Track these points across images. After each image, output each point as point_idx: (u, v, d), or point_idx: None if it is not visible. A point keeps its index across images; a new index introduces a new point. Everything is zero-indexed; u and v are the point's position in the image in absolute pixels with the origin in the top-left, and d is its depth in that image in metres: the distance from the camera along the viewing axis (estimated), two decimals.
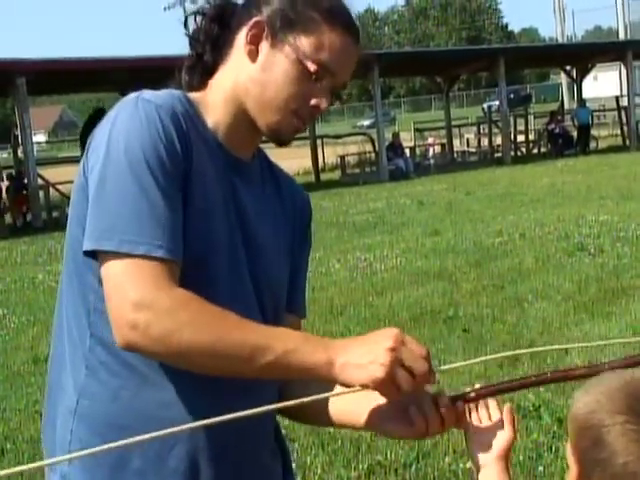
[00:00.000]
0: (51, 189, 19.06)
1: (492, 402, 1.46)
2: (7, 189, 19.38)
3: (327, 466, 4.22)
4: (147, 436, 1.13)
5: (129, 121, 1.41)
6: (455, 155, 27.32)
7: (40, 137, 58.99)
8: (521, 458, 4.07)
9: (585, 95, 29.49)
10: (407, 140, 27.73)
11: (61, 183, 17.81)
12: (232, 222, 1.50)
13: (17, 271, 11.47)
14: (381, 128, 22.68)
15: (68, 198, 12.49)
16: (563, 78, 40.57)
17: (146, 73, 11.78)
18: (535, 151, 26.95)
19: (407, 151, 24.18)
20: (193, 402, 1.45)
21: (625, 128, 26.89)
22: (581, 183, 16.44)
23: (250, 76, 1.49)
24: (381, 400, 1.42)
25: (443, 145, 27.81)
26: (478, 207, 14.16)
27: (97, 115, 13.55)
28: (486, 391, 1.43)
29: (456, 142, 28.56)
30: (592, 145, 26.20)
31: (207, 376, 1.39)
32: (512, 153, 25.14)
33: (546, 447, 4.20)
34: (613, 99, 29.51)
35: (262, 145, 1.64)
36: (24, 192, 18.24)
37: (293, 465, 1.83)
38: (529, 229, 11.10)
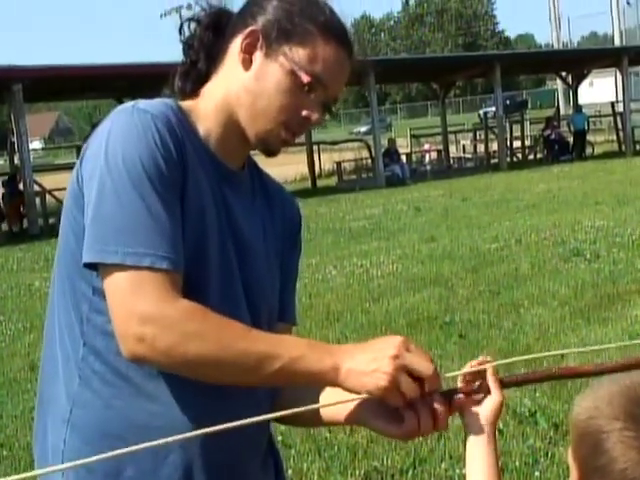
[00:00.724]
0: (47, 196, 19.06)
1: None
2: (2, 196, 19.37)
3: (324, 472, 4.19)
4: (141, 446, 1.13)
5: (126, 131, 1.41)
6: (451, 161, 27.33)
7: (36, 144, 58.87)
8: (517, 464, 4.07)
9: (581, 101, 29.56)
10: (403, 146, 27.78)
11: (58, 190, 17.77)
12: (223, 227, 1.50)
13: (13, 278, 11.45)
14: (377, 134, 22.68)
15: None
16: (559, 84, 40.65)
17: (143, 80, 11.79)
18: (531, 157, 27.03)
19: (403, 157, 24.25)
20: (186, 412, 1.44)
21: (621, 134, 26.95)
22: (577, 189, 16.47)
23: (243, 85, 1.50)
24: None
25: (439, 151, 27.88)
26: (474, 213, 14.17)
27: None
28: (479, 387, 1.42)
29: (452, 148, 28.55)
30: (588, 151, 26.24)
31: (200, 386, 1.40)
32: (508, 159, 25.20)
33: (542, 453, 4.19)
34: (609, 105, 29.58)
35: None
36: (19, 198, 18.22)
37: (289, 472, 1.83)
38: (525, 235, 11.11)
